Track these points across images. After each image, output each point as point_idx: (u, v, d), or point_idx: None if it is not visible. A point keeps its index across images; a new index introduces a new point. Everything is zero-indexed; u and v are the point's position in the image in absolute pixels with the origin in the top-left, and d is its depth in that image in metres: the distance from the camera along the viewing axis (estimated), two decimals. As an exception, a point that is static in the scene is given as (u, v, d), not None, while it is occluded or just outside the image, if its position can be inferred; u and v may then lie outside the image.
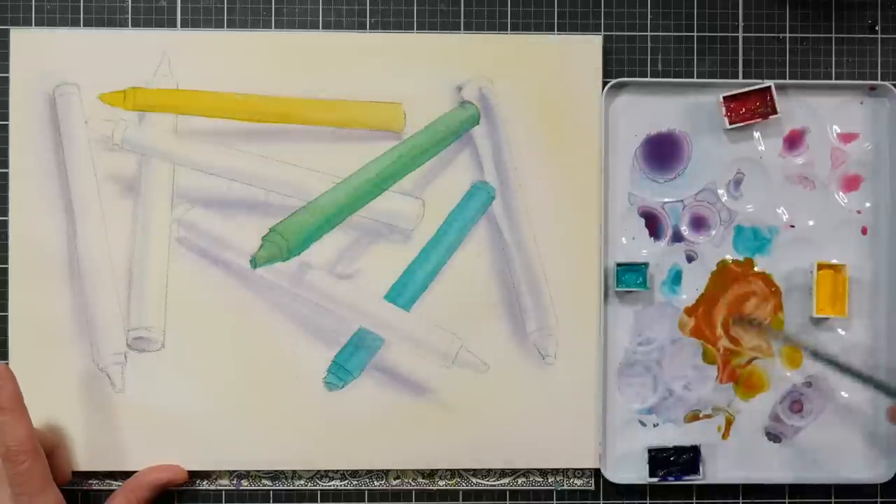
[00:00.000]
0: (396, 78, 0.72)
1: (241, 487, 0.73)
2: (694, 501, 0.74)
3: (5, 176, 0.71)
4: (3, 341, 0.71)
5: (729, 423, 0.74)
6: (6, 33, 0.71)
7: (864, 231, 0.74)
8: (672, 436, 0.74)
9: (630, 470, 0.74)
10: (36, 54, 0.71)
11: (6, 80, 0.71)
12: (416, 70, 0.72)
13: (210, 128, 0.71)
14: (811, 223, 0.74)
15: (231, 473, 0.72)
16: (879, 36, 0.74)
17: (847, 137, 0.74)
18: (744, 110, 0.72)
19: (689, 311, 0.74)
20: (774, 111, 0.72)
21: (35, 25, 0.72)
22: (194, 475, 0.72)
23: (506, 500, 0.74)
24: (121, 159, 0.71)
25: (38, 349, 0.70)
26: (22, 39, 0.71)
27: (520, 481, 0.74)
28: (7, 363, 0.68)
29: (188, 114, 0.71)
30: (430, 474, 0.73)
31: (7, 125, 0.71)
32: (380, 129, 0.72)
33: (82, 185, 0.71)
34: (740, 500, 0.75)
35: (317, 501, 0.73)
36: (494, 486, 0.74)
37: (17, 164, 0.71)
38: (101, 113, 0.71)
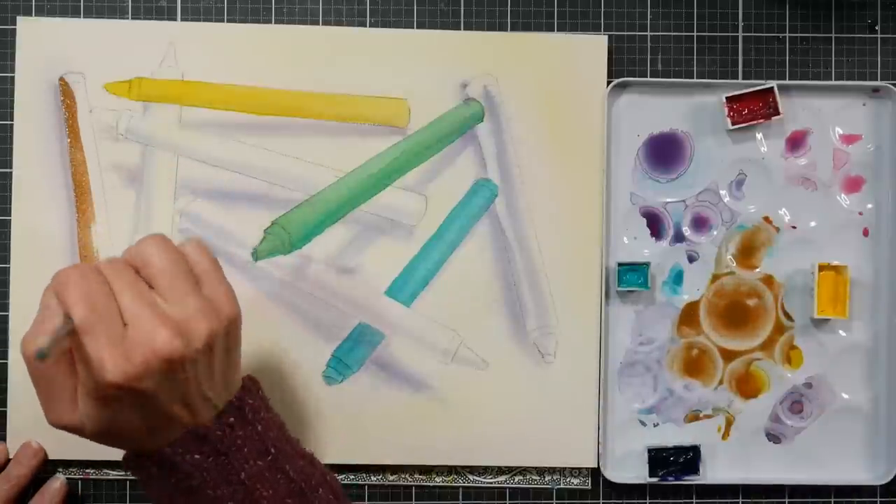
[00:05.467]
0: (402, 74, 0.72)
1: (239, 480, 0.73)
2: (694, 501, 0.74)
3: (10, 164, 0.72)
4: (4, 329, 0.71)
5: (729, 423, 0.74)
6: (14, 21, 0.72)
7: (865, 232, 0.74)
8: (672, 436, 0.74)
9: (630, 469, 0.73)
10: (42, 43, 0.71)
11: (11, 80, 0.72)
12: (421, 66, 0.73)
13: (215, 120, 0.72)
14: (813, 224, 0.74)
15: (229, 465, 0.72)
16: (879, 36, 0.74)
17: (849, 139, 0.74)
18: (746, 111, 0.73)
19: (690, 311, 0.74)
20: (777, 112, 0.72)
21: (37, 14, 0.72)
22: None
23: (505, 499, 0.73)
24: (124, 149, 0.72)
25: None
26: (29, 28, 0.72)
27: (517, 479, 0.73)
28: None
29: (193, 105, 0.72)
30: (428, 471, 0.73)
31: (12, 113, 0.72)
32: (384, 124, 0.73)
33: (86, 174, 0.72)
34: (740, 501, 0.74)
35: (314, 495, 0.73)
36: (492, 483, 0.73)
37: (21, 153, 0.71)
38: (105, 102, 0.72)
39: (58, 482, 0.71)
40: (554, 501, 0.74)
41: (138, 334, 0.52)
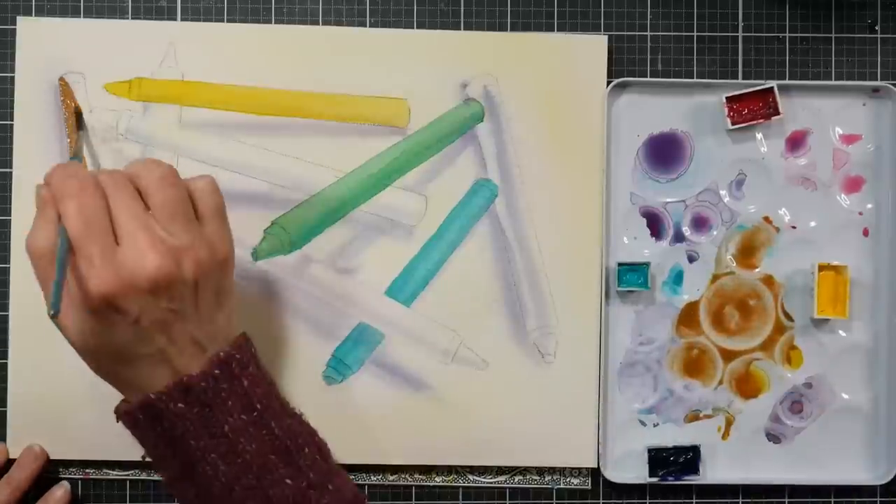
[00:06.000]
0: (402, 74, 0.72)
1: (239, 479, 0.73)
2: (694, 501, 0.74)
3: (10, 164, 0.72)
4: (4, 328, 0.72)
5: (729, 423, 0.74)
6: (14, 21, 0.72)
7: (865, 232, 0.74)
8: (672, 436, 0.74)
9: (630, 469, 0.73)
10: (42, 43, 0.71)
11: (11, 80, 0.72)
12: (421, 66, 0.73)
13: (215, 120, 0.72)
14: (813, 224, 0.74)
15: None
16: (879, 36, 0.74)
17: (849, 139, 0.74)
18: (746, 111, 0.73)
19: (690, 311, 0.74)
20: (777, 112, 0.72)
21: (37, 14, 0.72)
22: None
23: (505, 499, 0.73)
24: (124, 149, 0.72)
25: (39, 338, 0.71)
26: (29, 28, 0.72)
27: (517, 479, 0.73)
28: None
29: (193, 105, 0.72)
30: (428, 471, 0.73)
31: (12, 113, 0.72)
32: (384, 124, 0.72)
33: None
34: (740, 501, 0.74)
35: (314, 495, 0.73)
36: (492, 483, 0.73)
37: (21, 153, 0.71)
38: (105, 102, 0.72)
39: (61, 490, 0.71)
40: (554, 501, 0.74)
41: (129, 253, 0.53)
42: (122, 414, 0.58)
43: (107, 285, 0.52)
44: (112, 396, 0.70)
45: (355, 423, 0.72)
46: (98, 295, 0.52)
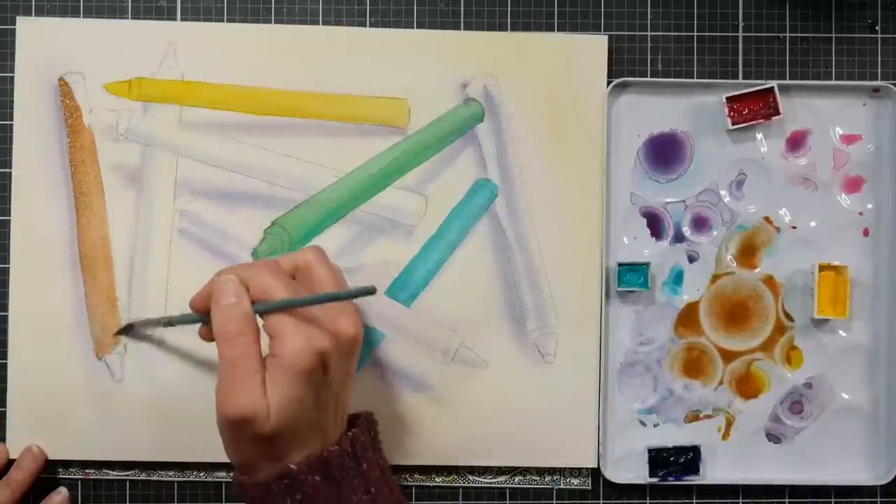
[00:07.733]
0: (402, 74, 0.72)
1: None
2: (694, 502, 0.74)
3: (10, 164, 0.72)
4: (4, 329, 0.71)
5: (729, 423, 0.74)
6: (14, 21, 0.72)
7: (865, 232, 0.74)
8: (672, 436, 0.74)
9: (630, 470, 0.73)
10: (42, 43, 0.71)
11: (11, 80, 0.72)
12: (421, 66, 0.73)
13: (214, 120, 0.72)
14: (813, 224, 0.74)
15: (229, 465, 0.72)
16: (879, 36, 0.74)
17: (849, 139, 0.74)
18: (747, 111, 0.73)
19: (690, 311, 0.74)
20: (777, 112, 0.72)
21: (36, 14, 0.72)
22: (192, 466, 0.72)
23: (505, 499, 0.73)
24: (124, 149, 0.72)
25: (39, 338, 0.71)
26: (29, 28, 0.72)
27: (517, 479, 0.73)
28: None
29: (193, 105, 0.72)
30: (428, 471, 0.73)
31: (12, 113, 0.72)
32: (384, 124, 0.72)
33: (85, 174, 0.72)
34: (740, 501, 0.74)
35: (314, 495, 0.73)
36: (492, 483, 0.73)
37: (21, 153, 0.71)
38: (105, 102, 0.72)
39: (59, 496, 0.71)
40: (554, 501, 0.74)
41: (340, 317, 0.58)
42: (253, 485, 0.58)
43: (324, 343, 0.56)
44: (112, 395, 0.71)
45: (355, 423, 0.72)
46: (318, 350, 0.56)
